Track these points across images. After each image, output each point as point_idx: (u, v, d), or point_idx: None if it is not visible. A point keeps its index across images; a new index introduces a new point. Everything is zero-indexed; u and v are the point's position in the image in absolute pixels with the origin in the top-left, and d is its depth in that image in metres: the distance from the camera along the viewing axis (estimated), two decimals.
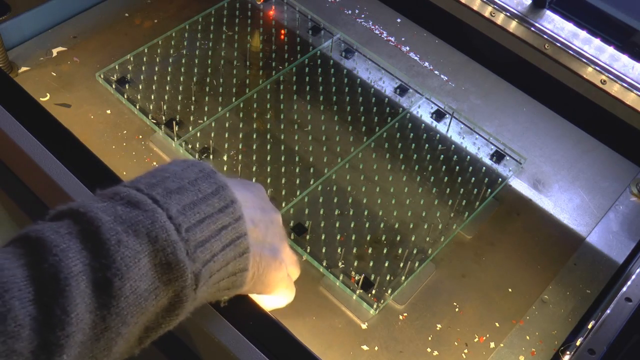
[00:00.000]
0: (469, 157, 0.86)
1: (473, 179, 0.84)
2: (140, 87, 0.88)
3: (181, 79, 0.90)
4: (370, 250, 0.77)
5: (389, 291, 0.73)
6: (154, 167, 0.46)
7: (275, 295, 0.55)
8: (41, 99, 0.86)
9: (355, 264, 0.75)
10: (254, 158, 0.83)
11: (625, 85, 0.81)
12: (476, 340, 0.71)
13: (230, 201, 0.45)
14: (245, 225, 0.46)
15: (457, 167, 0.85)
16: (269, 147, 0.85)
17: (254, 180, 0.81)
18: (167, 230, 0.40)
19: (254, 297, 0.55)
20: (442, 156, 0.86)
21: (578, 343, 0.65)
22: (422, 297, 0.74)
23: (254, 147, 0.84)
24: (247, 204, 0.48)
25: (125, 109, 0.87)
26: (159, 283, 0.40)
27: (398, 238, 0.78)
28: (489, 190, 0.83)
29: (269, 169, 0.82)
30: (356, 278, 0.74)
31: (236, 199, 0.45)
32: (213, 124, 0.86)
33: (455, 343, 0.71)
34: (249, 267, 0.47)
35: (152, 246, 0.40)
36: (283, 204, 0.79)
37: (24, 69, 0.89)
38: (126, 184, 0.44)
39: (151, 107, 0.86)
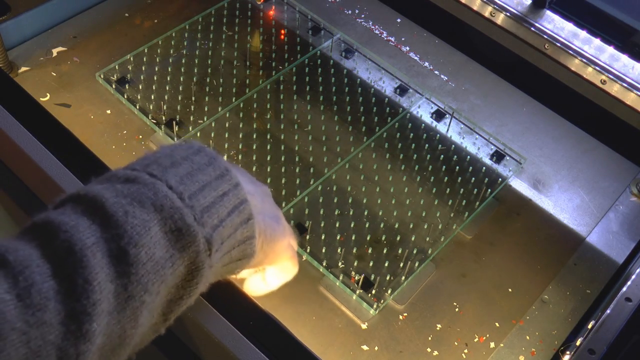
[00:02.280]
0: (469, 157, 0.86)
1: (473, 179, 0.84)
2: (140, 87, 0.88)
3: (181, 79, 0.90)
4: (370, 250, 0.77)
5: (389, 291, 0.73)
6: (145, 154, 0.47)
7: (282, 267, 0.54)
8: (41, 99, 0.86)
9: (355, 264, 0.75)
10: (254, 158, 0.83)
11: (625, 85, 0.81)
12: (476, 340, 0.71)
13: (225, 169, 0.45)
14: (244, 191, 0.46)
15: (457, 167, 0.85)
16: (269, 147, 0.85)
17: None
18: (171, 198, 0.40)
19: (259, 281, 0.54)
20: (442, 156, 0.86)
21: (578, 343, 0.65)
22: (422, 297, 0.74)
23: (254, 147, 0.84)
24: (239, 177, 0.48)
25: (125, 109, 0.87)
26: (173, 251, 0.40)
27: (398, 238, 0.78)
28: (489, 190, 0.83)
29: (269, 169, 0.82)
30: (356, 278, 0.74)
31: (230, 168, 0.46)
32: (213, 124, 0.86)
33: (455, 343, 0.71)
34: (256, 234, 0.47)
35: (159, 214, 0.40)
36: (283, 204, 0.79)
37: (24, 69, 0.89)
38: (119, 168, 0.44)
39: (151, 107, 0.86)
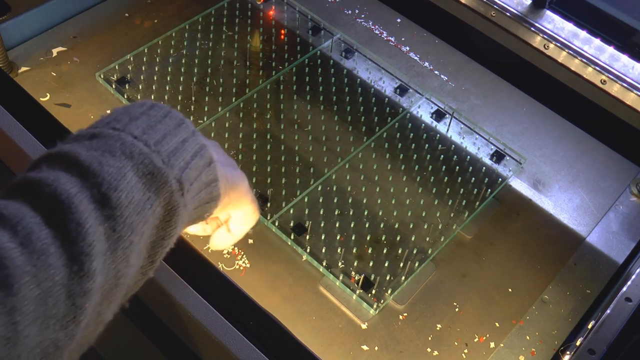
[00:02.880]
0: (469, 157, 0.86)
1: (473, 179, 0.84)
2: (140, 87, 0.88)
3: (181, 79, 0.90)
4: (370, 250, 0.77)
5: (389, 291, 0.73)
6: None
7: (244, 213, 0.56)
8: (41, 99, 0.86)
9: (355, 264, 0.75)
10: (254, 158, 0.83)
11: (625, 85, 0.81)
12: (476, 340, 0.71)
13: (181, 119, 0.47)
14: (201, 138, 0.48)
15: (457, 167, 0.85)
16: (269, 147, 0.85)
17: (254, 180, 0.81)
18: (138, 146, 0.43)
19: (225, 233, 0.55)
20: (442, 156, 0.86)
21: (578, 343, 0.65)
22: (422, 297, 0.74)
23: (254, 147, 0.84)
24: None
25: None
26: (149, 193, 0.42)
27: (398, 238, 0.78)
28: (489, 190, 0.83)
29: (269, 169, 0.82)
30: (356, 278, 0.74)
31: (184, 118, 0.48)
32: (213, 124, 0.86)
33: (455, 343, 0.71)
34: (219, 177, 0.49)
35: (131, 161, 0.42)
36: (283, 204, 0.79)
37: (24, 69, 0.89)
38: (81, 129, 0.46)
39: None
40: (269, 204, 0.79)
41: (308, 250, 0.76)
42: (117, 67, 0.90)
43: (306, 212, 0.79)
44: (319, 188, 0.81)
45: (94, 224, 0.39)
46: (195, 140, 0.47)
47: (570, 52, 0.84)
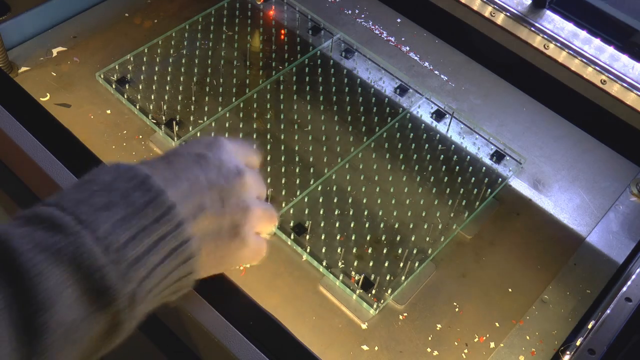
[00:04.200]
0: (469, 157, 0.86)
1: (473, 179, 0.84)
2: (140, 87, 0.88)
3: (181, 79, 0.90)
4: (370, 250, 0.77)
5: (389, 291, 0.73)
6: (83, 177, 0.43)
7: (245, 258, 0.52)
8: (41, 99, 0.86)
9: (355, 264, 0.75)
10: None
11: (625, 85, 0.81)
12: (476, 340, 0.71)
13: (168, 208, 0.42)
14: (188, 229, 0.43)
15: (457, 167, 0.85)
16: (269, 147, 0.85)
17: None
18: (94, 254, 0.38)
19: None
20: (442, 156, 0.86)
21: (578, 343, 0.65)
22: (422, 297, 0.74)
23: (254, 147, 0.84)
24: (197, 185, 0.45)
25: (125, 109, 0.87)
26: (90, 310, 0.38)
27: (398, 238, 0.78)
28: (489, 190, 0.83)
29: (269, 169, 0.82)
30: (356, 278, 0.74)
31: (174, 203, 0.42)
32: (213, 124, 0.86)
33: (455, 343, 0.71)
34: (196, 269, 0.45)
35: (77, 274, 0.37)
36: (283, 204, 0.79)
37: (24, 69, 0.89)
38: (50, 201, 0.41)
39: (151, 107, 0.86)
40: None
41: (308, 250, 0.76)
42: (117, 67, 0.90)
43: (306, 212, 0.79)
44: (319, 188, 0.81)
45: (5, 353, 0.34)
46: (177, 235, 0.42)
47: (570, 52, 0.84)
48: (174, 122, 0.84)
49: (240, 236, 0.49)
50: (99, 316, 0.38)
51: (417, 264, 0.76)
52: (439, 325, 0.72)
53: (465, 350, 0.71)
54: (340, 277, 0.74)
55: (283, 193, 0.80)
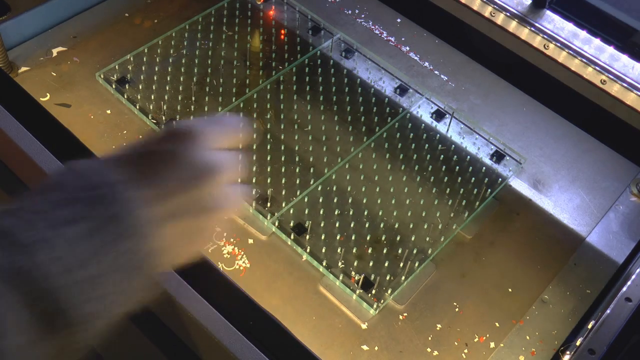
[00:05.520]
0: (469, 157, 0.86)
1: (473, 179, 0.84)
2: (140, 87, 0.88)
3: (181, 79, 0.90)
4: (370, 250, 0.77)
5: (389, 291, 0.73)
6: (51, 177, 0.42)
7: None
8: (41, 99, 0.86)
9: (355, 264, 0.75)
10: (254, 158, 0.83)
11: (625, 85, 0.81)
12: (476, 340, 0.71)
13: (132, 227, 0.39)
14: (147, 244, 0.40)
15: (457, 167, 0.85)
16: (269, 147, 0.85)
17: (254, 180, 0.81)
18: (48, 276, 0.36)
19: None
20: (442, 156, 0.86)
21: (578, 343, 0.65)
22: (422, 297, 0.74)
23: (254, 147, 0.84)
24: (164, 187, 0.42)
25: (125, 109, 0.87)
26: (43, 333, 0.37)
27: (398, 238, 0.78)
28: (489, 190, 0.83)
29: (269, 169, 0.82)
30: (356, 278, 0.74)
31: (139, 223, 0.40)
32: None
33: (455, 343, 0.71)
34: (150, 255, 0.42)
35: (29, 297, 0.36)
36: (283, 204, 0.79)
37: (24, 69, 0.89)
38: (11, 208, 0.40)
39: (151, 107, 0.86)
40: (269, 204, 0.79)
41: (308, 250, 0.76)
42: (117, 67, 0.90)
43: (306, 212, 0.79)
44: (319, 188, 0.81)
45: None
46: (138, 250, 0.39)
47: (570, 52, 0.84)
48: (174, 122, 0.84)
49: (206, 210, 0.46)
50: (51, 339, 0.37)
51: (417, 264, 0.76)
52: (439, 325, 0.72)
53: (465, 350, 0.71)
54: (340, 277, 0.74)
55: (283, 193, 0.80)
